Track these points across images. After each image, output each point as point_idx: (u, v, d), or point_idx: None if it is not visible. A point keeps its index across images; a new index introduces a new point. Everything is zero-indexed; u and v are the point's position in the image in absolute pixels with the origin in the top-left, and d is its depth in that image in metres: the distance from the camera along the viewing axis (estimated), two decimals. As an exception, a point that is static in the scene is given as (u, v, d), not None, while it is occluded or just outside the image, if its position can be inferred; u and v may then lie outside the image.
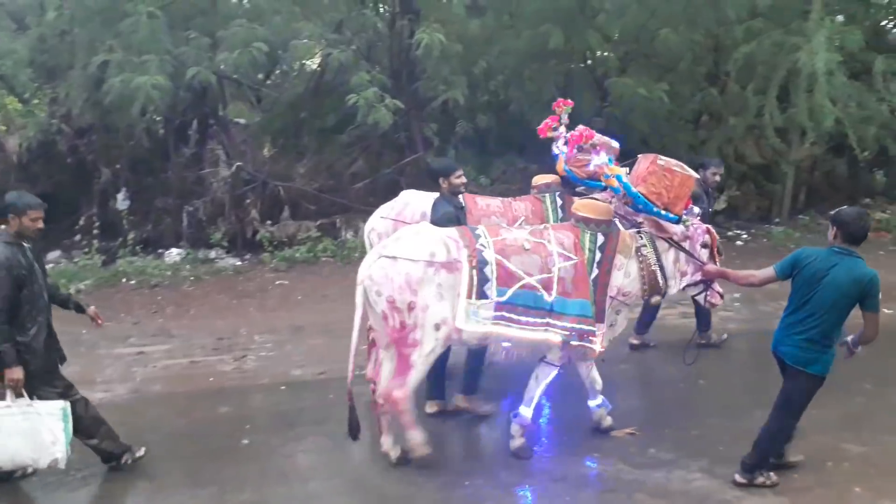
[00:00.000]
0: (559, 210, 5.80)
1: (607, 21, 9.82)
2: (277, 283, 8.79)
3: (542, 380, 4.84)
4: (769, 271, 4.49)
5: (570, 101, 6.11)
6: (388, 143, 10.65)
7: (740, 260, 9.80)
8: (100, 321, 4.92)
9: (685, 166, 4.83)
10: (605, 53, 10.92)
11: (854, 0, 11.63)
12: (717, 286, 5.06)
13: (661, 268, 4.84)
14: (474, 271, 4.41)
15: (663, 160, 4.73)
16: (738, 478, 4.54)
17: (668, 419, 5.39)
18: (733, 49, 10.31)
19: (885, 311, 6.18)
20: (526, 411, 4.84)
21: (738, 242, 11.03)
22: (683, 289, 5.03)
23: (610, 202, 5.11)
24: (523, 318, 4.45)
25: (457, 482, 4.63)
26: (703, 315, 6.58)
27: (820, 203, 12.68)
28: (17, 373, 4.14)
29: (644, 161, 4.83)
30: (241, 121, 11.92)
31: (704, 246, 4.95)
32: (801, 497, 4.43)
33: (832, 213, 4.38)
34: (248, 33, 8.38)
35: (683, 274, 4.95)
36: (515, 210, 5.79)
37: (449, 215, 5.04)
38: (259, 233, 9.76)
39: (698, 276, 4.94)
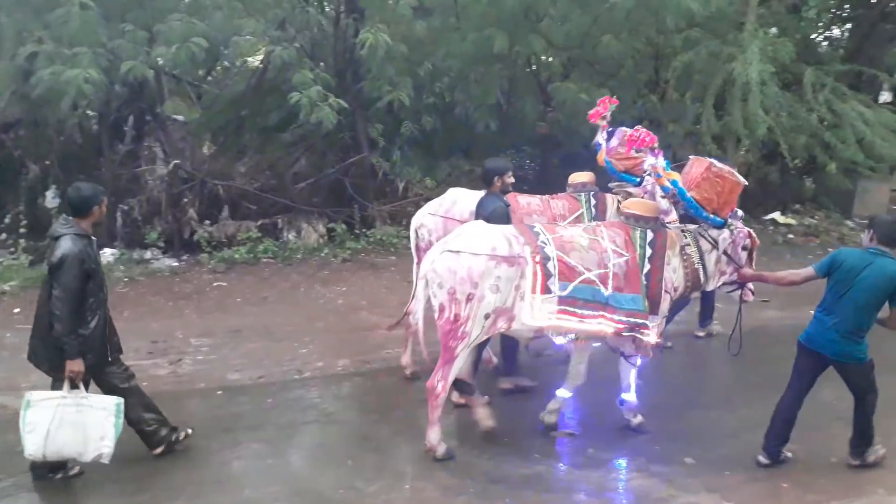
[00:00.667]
0: (593, 209, 6.04)
1: (551, 26, 9.93)
2: (215, 284, 8.57)
3: (630, 369, 5.22)
4: (809, 270, 4.81)
5: (615, 99, 6.51)
6: (333, 143, 10.52)
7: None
8: None
9: (735, 172, 5.09)
10: (549, 58, 11.05)
11: (786, 14, 12.08)
12: (749, 284, 5.34)
13: (703, 266, 5.08)
14: (538, 267, 4.58)
15: (717, 166, 4.93)
16: (852, 461, 4.86)
17: (606, 419, 5.46)
18: (672, 57, 10.59)
19: (810, 311, 6.43)
20: (629, 396, 5.27)
21: (677, 246, 11.33)
22: (720, 286, 5.31)
23: (642, 197, 5.46)
24: (582, 311, 4.65)
25: (396, 485, 4.59)
26: (706, 310, 7.21)
27: (754, 208, 13.11)
28: (77, 365, 4.21)
29: (697, 165, 5.01)
30: (180, 118, 11.58)
31: (744, 248, 5.18)
32: (732, 494, 4.55)
33: (868, 217, 4.69)
34: (187, 28, 8.13)
35: (722, 273, 5.20)
36: (553, 208, 5.99)
37: (502, 212, 5.26)
38: (197, 233, 9.48)
39: (735, 276, 5.20)
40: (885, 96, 15.81)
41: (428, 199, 10.32)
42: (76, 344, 4.19)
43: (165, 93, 10.86)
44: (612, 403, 5.63)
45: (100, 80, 7.81)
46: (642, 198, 5.43)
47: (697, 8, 9.07)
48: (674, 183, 4.85)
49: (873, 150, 10.85)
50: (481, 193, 5.79)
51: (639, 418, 5.32)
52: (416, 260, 5.91)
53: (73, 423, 4.23)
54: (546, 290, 4.58)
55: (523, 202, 5.95)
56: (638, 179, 5.92)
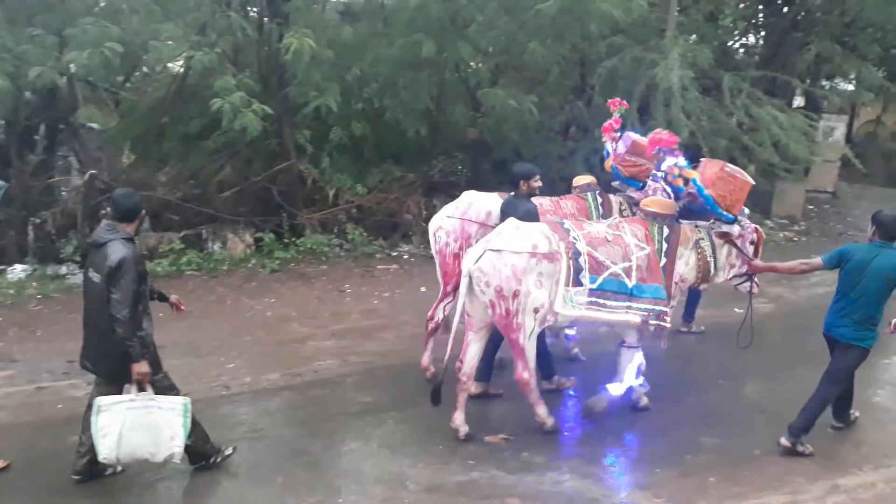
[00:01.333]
0: (600, 207, 6.35)
1: (478, 33, 9.96)
2: (137, 299, 8.20)
3: (627, 362, 5.48)
4: (818, 261, 5.25)
5: (625, 102, 6.88)
6: (259, 150, 10.25)
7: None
8: (182, 308, 4.99)
9: (744, 172, 5.55)
10: (478, 64, 11.10)
11: (704, 22, 12.53)
12: (755, 277, 5.76)
13: (715, 259, 5.49)
14: (570, 261, 4.94)
15: (729, 167, 5.42)
16: (783, 441, 5.08)
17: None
18: (597, 63, 10.79)
19: (736, 310, 6.64)
20: (614, 388, 5.52)
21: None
22: (730, 279, 5.72)
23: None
24: (610, 303, 5.04)
25: (329, 501, 4.47)
26: (691, 306, 7.47)
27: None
28: (143, 367, 4.24)
29: (712, 166, 5.45)
30: (96, 126, 11.09)
31: (752, 243, 5.66)
32: (662, 490, 4.62)
33: (873, 215, 5.13)
34: (100, 32, 7.75)
35: (732, 266, 5.65)
36: (564, 208, 6.22)
37: (533, 212, 5.48)
38: (116, 246, 9.06)
39: (744, 269, 5.65)
40: (798, 101, 16.59)
41: (359, 206, 10.42)
42: (139, 346, 4.23)
43: (80, 100, 10.37)
44: (550, 409, 5.65)
45: (5, 87, 7.39)
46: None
47: (619, 15, 9.26)
48: (693, 181, 5.25)
49: (788, 153, 11.34)
50: (493, 196, 6.09)
51: (603, 404, 5.52)
52: (437, 263, 6.06)
53: (144, 424, 4.27)
54: (577, 282, 4.94)
55: (536, 203, 6.03)
56: (641, 184, 6.21)
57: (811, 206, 15.22)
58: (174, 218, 9.72)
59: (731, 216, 5.38)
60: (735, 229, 5.45)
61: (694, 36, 12.32)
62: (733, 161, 11.73)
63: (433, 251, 6.11)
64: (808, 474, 4.85)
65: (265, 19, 9.94)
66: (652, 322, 5.16)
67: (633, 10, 9.88)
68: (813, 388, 5.17)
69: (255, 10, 10.42)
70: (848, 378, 5.15)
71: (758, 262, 5.70)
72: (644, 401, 5.68)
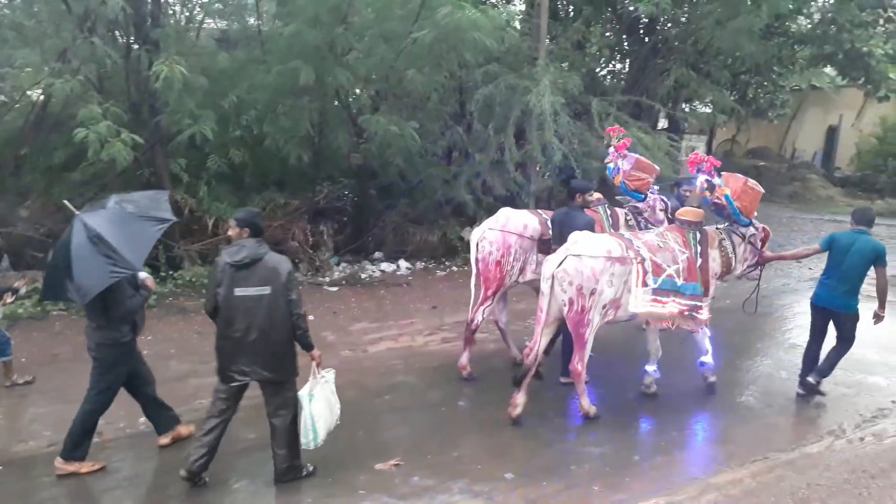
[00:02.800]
0: (609, 218, 7.28)
1: (358, 60, 10.03)
2: (-5, 344, 7.54)
3: (703, 338, 6.52)
4: (815, 247, 6.62)
5: (622, 128, 7.90)
6: (130, 181, 9.74)
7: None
8: None
9: (758, 184, 6.52)
10: (358, 91, 11.16)
11: (572, 50, 13.22)
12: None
13: (735, 256, 6.51)
14: (639, 265, 5.74)
15: (751, 182, 6.41)
16: (801, 387, 6.53)
17: (430, 445, 5.50)
18: (474, 90, 11.14)
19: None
20: (707, 358, 6.57)
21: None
22: (745, 270, 6.73)
23: (646, 210, 7.39)
24: (664, 299, 5.86)
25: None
26: None
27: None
28: (318, 351, 4.85)
29: (735, 181, 6.36)
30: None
31: (761, 240, 6.73)
32: (548, 501, 4.74)
33: (852, 211, 6.74)
34: (-54, 58, 7.23)
35: (745, 260, 6.67)
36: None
37: (590, 223, 6.36)
38: (-30, 288, 8.33)
39: (755, 261, 6.71)
40: (662, 123, 17.81)
41: (241, 236, 10.12)
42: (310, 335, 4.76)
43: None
44: (436, 430, 5.69)
45: None
46: (645, 212, 7.42)
47: (493, 44, 9.63)
48: (726, 196, 6.23)
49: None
50: (525, 212, 7.05)
51: (653, 388, 6.51)
52: (474, 271, 6.78)
53: (326, 399, 4.87)
54: (645, 283, 5.77)
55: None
56: (643, 196, 7.44)
57: (678, 221, 16.28)
58: (38, 255, 9.06)
59: (748, 220, 6.44)
60: (751, 231, 6.57)
61: (565, 64, 12.99)
62: (604, 181, 12.47)
63: (473, 259, 6.80)
64: (683, 475, 5.14)
65: (133, 45, 9.54)
66: (690, 315, 5.99)
67: (506, 40, 10.33)
68: (686, 393, 5.88)
69: (122, 35, 9.99)
70: (854, 337, 6.37)
71: (768, 254, 6.92)
72: (653, 388, 6.55)
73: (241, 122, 10.10)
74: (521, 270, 6.82)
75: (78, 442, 4.95)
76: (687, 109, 17.50)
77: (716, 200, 6.34)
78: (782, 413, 6.31)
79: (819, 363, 6.48)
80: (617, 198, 7.60)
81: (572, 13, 14.88)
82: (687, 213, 6.39)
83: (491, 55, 10.71)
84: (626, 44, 15.97)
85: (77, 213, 4.79)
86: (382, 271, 11.12)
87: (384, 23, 10.00)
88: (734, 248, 6.52)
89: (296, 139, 10.18)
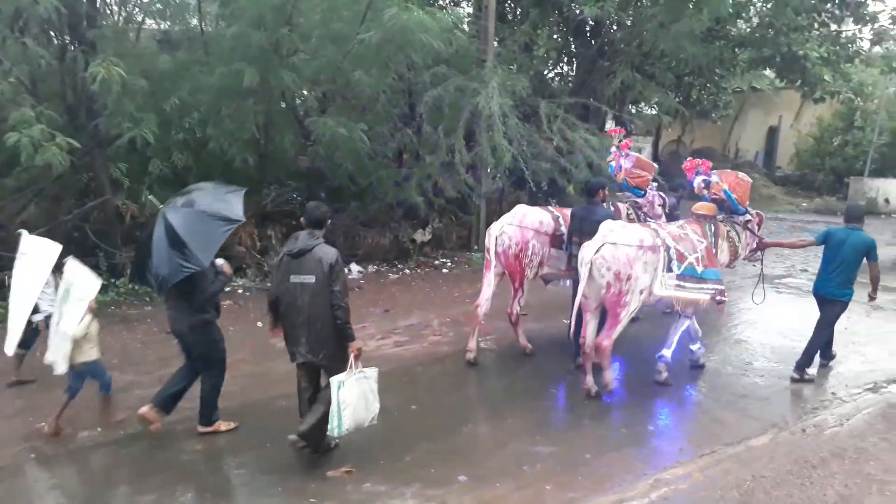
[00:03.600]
0: (613, 214, 7.62)
1: (304, 61, 9.88)
2: (-78, 360, 7.17)
3: (679, 327, 6.94)
4: (811, 239, 7.27)
5: (622, 129, 8.82)
6: (68, 187, 9.42)
7: (447, 286, 10.49)
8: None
9: (746, 176, 7.35)
10: (306, 93, 11.00)
11: (521, 52, 13.30)
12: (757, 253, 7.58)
13: (740, 243, 7.27)
14: (665, 253, 6.31)
15: (741, 175, 7.29)
16: (793, 374, 7.04)
17: (382, 450, 5.42)
18: (423, 92, 11.09)
19: (564, 321, 6.99)
20: (667, 352, 6.87)
21: (444, 270, 11.79)
22: (748, 255, 7.48)
23: (645, 205, 8.32)
24: (688, 285, 6.42)
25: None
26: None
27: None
28: (359, 343, 5.07)
29: (727, 176, 7.20)
30: None
31: (758, 225, 7.48)
32: (501, 502, 4.73)
33: (845, 209, 7.60)
34: None
35: (748, 245, 7.41)
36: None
37: (612, 215, 7.09)
38: None
39: (755, 246, 7.43)
40: (610, 124, 18.07)
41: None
42: (352, 328, 4.97)
43: None
44: (389, 435, 5.62)
45: None
46: (644, 206, 8.29)
47: (440, 46, 9.61)
48: (725, 191, 7.01)
49: (602, 173, 12.27)
50: (538, 209, 7.53)
51: (665, 375, 6.84)
52: (492, 263, 7.33)
53: (362, 394, 4.98)
54: (669, 269, 6.32)
55: (568, 213, 7.48)
56: (642, 192, 8.23)
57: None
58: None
59: (744, 210, 7.24)
60: (748, 218, 7.36)
61: (513, 66, 13.06)
62: (553, 182, 12.61)
63: (492, 253, 7.30)
64: (634, 472, 5.18)
65: (69, 46, 9.21)
66: (717, 298, 6.56)
67: (454, 42, 10.33)
68: (637, 390, 6.10)
69: (56, 36, 9.62)
70: (833, 324, 7.06)
71: (767, 240, 7.69)
72: (703, 360, 7.31)
73: (184, 125, 9.85)
74: (540, 264, 7.38)
75: (210, 410, 5.65)
76: (633, 111, 17.80)
77: (713, 196, 7.09)
78: (729, 408, 6.43)
79: (806, 351, 7.11)
80: (617, 193, 8.34)
81: (519, 16, 14.99)
82: (702, 207, 7.09)
83: (439, 57, 10.68)
84: (572, 46, 16.15)
85: (160, 206, 5.40)
86: (333, 276, 10.99)
87: (330, 24, 9.88)
88: (739, 237, 7.30)
89: (241, 142, 9.97)
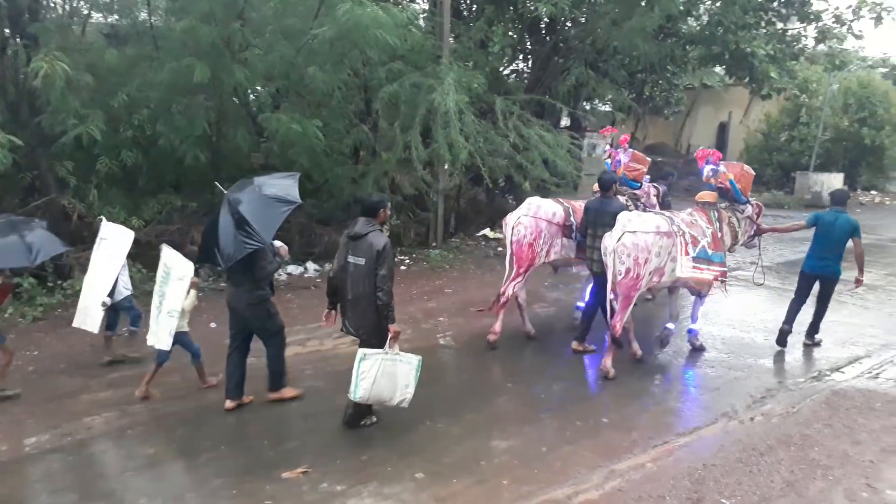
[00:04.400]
0: None
1: (257, 57, 9.73)
2: None
3: (699, 305, 7.89)
4: (802, 223, 8.03)
5: (615, 128, 9.88)
6: (10, 185, 9.10)
7: (405, 284, 10.45)
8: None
9: (749, 168, 8.11)
10: (258, 88, 10.83)
11: (475, 49, 13.32)
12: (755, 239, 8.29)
13: (740, 230, 7.90)
14: (681, 238, 6.95)
15: (746, 167, 8.07)
16: (806, 340, 8.07)
17: (339, 450, 5.40)
18: (379, 88, 11.01)
19: (538, 310, 7.01)
20: (695, 326, 7.96)
21: (402, 267, 11.75)
22: (746, 240, 8.12)
23: (642, 197, 8.91)
24: (701, 266, 7.10)
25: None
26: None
27: (467, 227, 14.19)
28: (397, 326, 5.48)
29: (733, 168, 7.94)
30: None
31: (756, 215, 8.15)
32: (459, 500, 4.74)
33: (830, 192, 8.73)
34: None
35: (746, 233, 8.07)
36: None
37: (624, 208, 7.45)
38: None
39: (752, 232, 8.13)
40: (565, 121, 18.25)
41: (136, 241, 9.57)
42: (393, 311, 5.40)
43: None
44: (345, 434, 5.60)
45: None
46: (642, 197, 8.85)
47: (396, 43, 9.57)
48: (731, 181, 7.67)
49: (557, 169, 12.41)
50: (550, 201, 8.08)
51: (700, 341, 7.87)
52: (509, 252, 7.84)
53: (390, 373, 5.40)
54: (687, 252, 6.96)
55: (578, 205, 8.02)
56: (639, 184, 8.83)
57: (582, 216, 16.73)
58: None
59: (745, 199, 7.87)
60: (749, 208, 7.99)
61: (470, 62, 13.07)
62: (510, 178, 12.69)
63: (508, 241, 7.84)
64: (589, 464, 5.26)
65: (10, 41, 8.89)
66: (720, 279, 7.27)
67: (409, 38, 10.28)
68: (590, 383, 6.26)
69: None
70: (830, 296, 7.87)
71: (764, 226, 8.42)
72: (699, 342, 7.93)
73: (133, 122, 9.60)
74: (548, 252, 7.87)
75: (278, 377, 6.21)
76: (588, 108, 18.00)
77: (719, 184, 7.68)
78: (680, 398, 6.59)
79: (813, 322, 8.08)
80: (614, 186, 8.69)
81: (475, 12, 15.01)
82: (705, 195, 7.64)
83: (395, 53, 10.63)
84: (528, 43, 16.24)
85: (225, 192, 5.86)
86: (289, 274, 10.85)
87: (283, 19, 9.76)
88: (739, 223, 7.90)
89: (192, 139, 9.76)
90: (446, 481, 4.95)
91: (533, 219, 7.80)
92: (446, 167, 12.27)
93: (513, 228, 7.82)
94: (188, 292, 6.09)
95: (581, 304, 8.56)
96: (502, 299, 7.77)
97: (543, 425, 5.96)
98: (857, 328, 8.85)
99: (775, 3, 16.67)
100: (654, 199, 9.12)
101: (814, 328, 8.05)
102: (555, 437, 5.71)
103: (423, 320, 8.87)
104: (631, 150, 8.82)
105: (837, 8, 17.02)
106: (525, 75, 16.62)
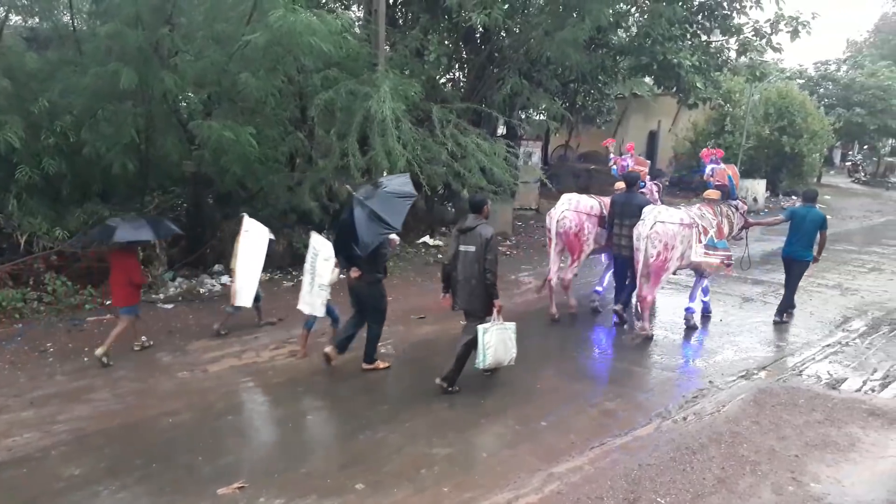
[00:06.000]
0: None
1: (187, 63, 9.45)
2: None
3: (700, 285, 9.25)
4: (781, 217, 9.73)
5: (614, 139, 12.15)
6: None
7: (344, 293, 10.31)
8: None
9: (736, 169, 9.94)
10: (190, 95, 10.52)
11: (411, 57, 13.33)
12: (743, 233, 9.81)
13: (734, 223, 9.36)
14: (695, 228, 8.48)
15: (733, 168, 9.69)
16: (776, 318, 9.43)
17: (276, 463, 5.28)
18: (314, 95, 10.88)
19: (460, 322, 7.04)
20: (695, 304, 9.22)
21: (342, 276, 11.57)
22: (736, 233, 9.51)
23: (648, 193, 9.90)
24: (710, 252, 8.62)
25: None
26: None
27: (407, 234, 14.12)
28: (501, 301, 6.69)
29: (729, 168, 9.56)
30: None
31: (746, 211, 9.92)
32: (400, 509, 4.71)
33: (802, 191, 10.27)
34: None
35: (736, 226, 9.45)
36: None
37: (647, 202, 8.84)
38: None
39: (740, 226, 9.56)
40: (502, 130, 18.47)
41: (60, 253, 9.21)
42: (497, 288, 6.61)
43: None
44: (283, 447, 5.49)
45: None
46: (647, 194, 9.61)
47: (330, 50, 9.47)
48: (728, 177, 9.30)
49: (494, 177, 12.53)
50: (586, 196, 9.59)
51: (696, 319, 9.19)
52: (553, 242, 9.24)
53: (503, 339, 6.67)
54: (700, 240, 8.49)
55: (605, 200, 9.34)
56: (644, 183, 9.71)
57: (519, 223, 16.97)
58: None
59: (737, 195, 9.57)
60: (739, 203, 9.58)
61: (407, 70, 13.07)
62: (448, 186, 12.74)
63: (554, 233, 9.20)
64: (529, 468, 5.30)
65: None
66: (725, 263, 8.78)
67: (344, 46, 10.20)
68: (528, 387, 6.24)
69: None
70: (801, 277, 9.40)
71: (751, 220, 10.04)
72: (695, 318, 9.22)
73: (56, 129, 9.17)
74: (589, 240, 9.22)
75: (373, 351, 7.39)
76: (523, 116, 18.25)
77: (717, 182, 9.22)
78: (616, 399, 6.71)
79: (783, 301, 9.54)
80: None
81: (410, 21, 15.03)
82: (711, 193, 9.14)
83: (330, 60, 10.51)
84: (463, 53, 16.38)
85: (354, 194, 6.97)
86: (223, 285, 10.57)
87: (215, 24, 9.52)
88: (733, 217, 9.34)
89: (120, 146, 9.40)
90: (387, 491, 4.91)
91: (575, 212, 9.17)
92: (384, 174, 12.22)
93: (558, 221, 9.17)
94: (332, 270, 7.37)
95: (599, 289, 10.08)
96: (564, 284, 9.31)
97: (483, 430, 5.99)
98: (781, 328, 9.24)
99: (700, 17, 17.33)
100: (656, 195, 10.16)
101: (785, 304, 9.49)
102: (495, 441, 5.74)
103: (363, 328, 8.77)
104: (635, 156, 10.28)
105: (757, 22, 17.85)
106: (461, 84, 16.74)
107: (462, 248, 6.65)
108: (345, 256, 7.05)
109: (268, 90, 9.73)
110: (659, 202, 9.83)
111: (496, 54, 15.11)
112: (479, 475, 5.17)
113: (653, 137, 29.25)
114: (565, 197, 9.41)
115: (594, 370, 7.59)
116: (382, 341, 7.81)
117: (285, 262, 11.67)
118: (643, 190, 9.58)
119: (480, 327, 6.52)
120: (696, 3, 17.09)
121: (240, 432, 5.87)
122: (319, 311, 7.47)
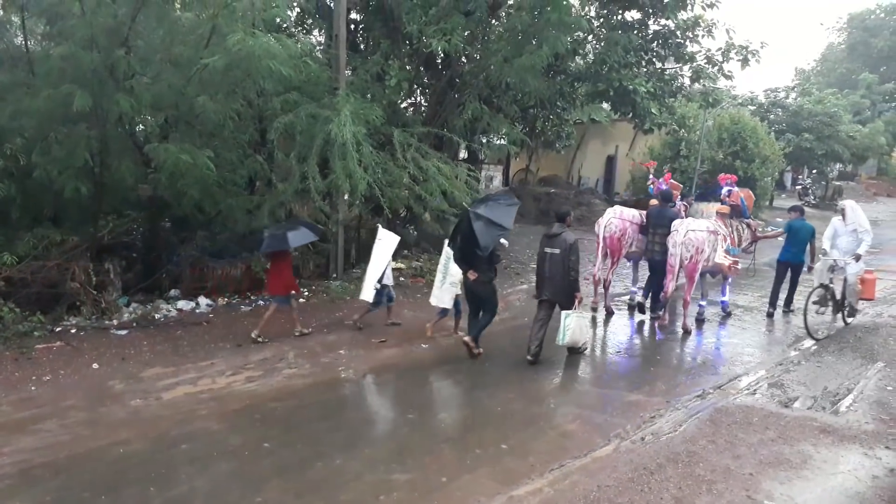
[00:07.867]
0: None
1: (143, 85, 9.32)
2: None
3: (727, 284, 11.11)
4: (781, 230, 11.74)
5: (654, 162, 15.72)
6: None
7: (304, 317, 10.22)
8: None
9: (751, 193, 12.91)
10: (146, 118, 10.38)
11: (372, 81, 13.40)
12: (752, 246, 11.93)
13: (743, 236, 11.21)
14: (720, 237, 10.13)
15: (747, 192, 12.01)
16: (775, 309, 11.28)
17: (230, 493, 5.16)
18: (274, 119, 10.84)
19: (424, 346, 7.00)
20: (725, 298, 11.19)
21: (301, 300, 11.49)
22: (745, 246, 11.51)
23: (679, 211, 11.31)
24: (727, 256, 10.23)
25: None
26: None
27: (369, 257, 14.04)
28: (581, 294, 8.50)
29: (743, 191, 11.48)
30: None
31: (754, 229, 11.84)
32: (358, 537, 4.64)
33: (791, 208, 11.93)
34: None
35: (746, 240, 11.29)
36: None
37: (678, 214, 10.75)
38: None
39: (750, 239, 11.49)
40: (463, 153, 18.58)
41: (7, 278, 8.94)
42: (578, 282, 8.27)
43: None
44: (238, 476, 5.37)
45: None
46: (678, 212, 11.02)
47: (290, 74, 9.47)
48: (741, 199, 11.29)
49: (455, 200, 12.59)
50: (627, 208, 11.64)
51: (730, 309, 11.33)
52: (601, 245, 10.99)
53: (580, 325, 8.44)
54: (722, 247, 10.09)
55: (643, 212, 11.20)
56: (675, 203, 11.19)
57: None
58: None
59: (749, 214, 11.53)
60: (750, 220, 11.59)
61: (368, 95, 13.12)
62: (410, 209, 12.75)
63: (601, 237, 10.96)
64: (488, 492, 5.27)
65: None
66: (734, 267, 10.47)
67: (305, 70, 10.20)
68: (489, 409, 6.18)
69: None
70: (799, 276, 11.25)
71: (759, 234, 11.97)
72: (729, 309, 11.35)
73: (5, 152, 8.95)
74: (629, 245, 10.94)
75: (479, 334, 8.54)
76: (484, 141, 18.42)
77: (731, 202, 11.00)
78: (576, 421, 6.74)
79: (783, 300, 11.46)
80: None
81: (371, 46, 15.11)
82: (723, 209, 10.91)
83: (290, 84, 10.50)
84: (424, 78, 16.48)
85: (469, 208, 8.49)
86: (179, 310, 10.38)
87: (172, 47, 9.43)
88: (742, 231, 11.19)
89: (72, 170, 9.20)
90: (345, 519, 4.84)
91: (620, 220, 10.94)
92: (346, 198, 12.20)
93: (605, 227, 10.95)
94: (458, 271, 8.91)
95: (634, 289, 11.47)
96: (605, 284, 11.03)
97: (443, 455, 5.95)
98: (736, 348, 9.44)
99: (654, 45, 17.80)
100: (683, 213, 11.37)
101: (789, 300, 11.47)
102: (455, 466, 5.71)
103: (323, 353, 8.69)
104: (671, 180, 11.90)
105: (709, 50, 18.40)
106: (423, 109, 16.83)
107: (548, 250, 8.24)
108: (466, 261, 8.34)
109: (226, 114, 9.67)
110: (685, 217, 11.29)
111: (457, 80, 15.25)
112: (439, 501, 5.13)
113: (611, 162, 29.81)
114: (611, 209, 11.37)
115: (554, 392, 7.62)
116: (343, 365, 7.76)
117: (243, 286, 11.54)
118: (675, 209, 11.05)
119: (564, 313, 8.27)
120: (650, 32, 17.58)
121: (194, 461, 5.72)
122: (447, 303, 9.27)
